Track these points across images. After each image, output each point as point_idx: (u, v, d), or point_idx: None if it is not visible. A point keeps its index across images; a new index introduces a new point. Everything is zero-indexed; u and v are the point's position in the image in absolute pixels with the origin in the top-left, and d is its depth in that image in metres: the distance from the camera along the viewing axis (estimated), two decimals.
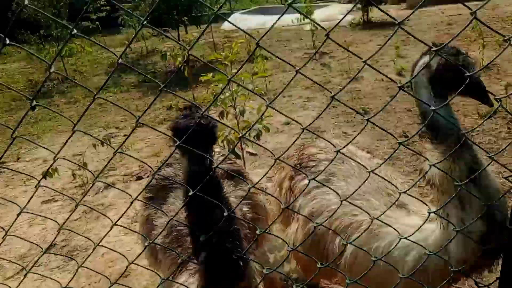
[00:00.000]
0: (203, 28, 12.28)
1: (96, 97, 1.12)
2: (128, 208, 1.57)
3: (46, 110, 9.01)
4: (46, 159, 6.60)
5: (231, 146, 4.31)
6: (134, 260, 1.63)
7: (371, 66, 1.27)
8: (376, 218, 1.49)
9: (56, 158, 1.32)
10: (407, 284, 1.69)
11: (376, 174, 1.46)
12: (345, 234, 2.09)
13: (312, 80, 1.23)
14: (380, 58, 8.70)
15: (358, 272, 1.73)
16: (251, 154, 5.72)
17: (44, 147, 1.43)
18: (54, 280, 2.11)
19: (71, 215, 1.73)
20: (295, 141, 1.53)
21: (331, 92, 1.16)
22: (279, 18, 1.11)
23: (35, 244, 2.22)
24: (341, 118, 6.57)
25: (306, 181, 2.46)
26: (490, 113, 3.95)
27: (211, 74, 3.77)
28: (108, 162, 1.46)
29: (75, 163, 2.16)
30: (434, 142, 1.70)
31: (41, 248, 1.74)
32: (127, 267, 1.75)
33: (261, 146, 1.58)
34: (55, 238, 3.75)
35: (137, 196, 1.46)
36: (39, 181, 1.41)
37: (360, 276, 1.58)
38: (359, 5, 12.11)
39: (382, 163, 1.69)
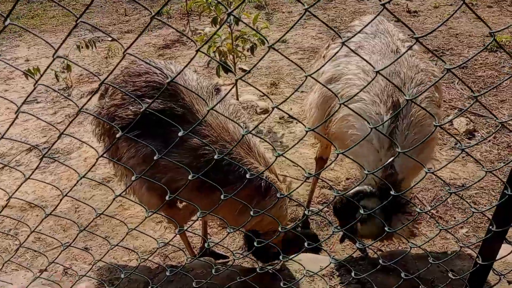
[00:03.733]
0: None
1: None
2: None
3: (28, 6, 8.41)
4: (28, 59, 6.28)
5: (223, 58, 4.07)
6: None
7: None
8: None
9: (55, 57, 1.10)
10: None
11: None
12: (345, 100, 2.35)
13: None
14: None
15: (338, 137, 2.32)
16: (243, 70, 5.47)
17: (43, 39, 1.20)
18: (35, 180, 2.00)
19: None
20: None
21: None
22: None
23: (18, 141, 2.08)
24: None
25: (336, 49, 2.64)
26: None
27: None
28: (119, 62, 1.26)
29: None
30: None
31: (27, 145, 1.61)
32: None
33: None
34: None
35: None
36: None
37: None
38: None
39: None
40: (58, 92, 1.69)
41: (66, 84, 5.39)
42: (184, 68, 1.89)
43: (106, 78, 1.22)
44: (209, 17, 4.41)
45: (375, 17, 1.18)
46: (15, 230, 3.17)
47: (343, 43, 1.05)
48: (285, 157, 1.57)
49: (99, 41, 6.69)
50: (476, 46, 5.64)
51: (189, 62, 1.33)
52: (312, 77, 1.20)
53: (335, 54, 2.44)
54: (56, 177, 3.74)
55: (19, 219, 3.17)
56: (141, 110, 2.04)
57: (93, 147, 1.62)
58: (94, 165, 1.56)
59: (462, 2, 0.97)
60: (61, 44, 1.20)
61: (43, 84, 1.46)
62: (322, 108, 2.58)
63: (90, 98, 1.37)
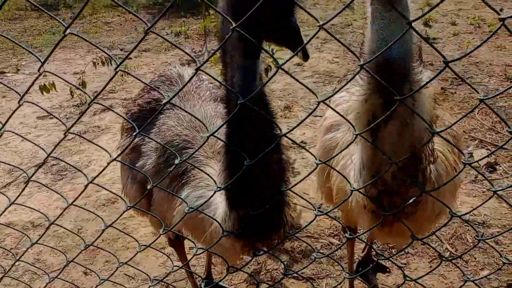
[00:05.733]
0: None
1: None
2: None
3: (50, 22, 8.61)
4: (45, 74, 6.34)
5: None
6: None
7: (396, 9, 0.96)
8: None
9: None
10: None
11: None
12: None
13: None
14: None
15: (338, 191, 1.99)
16: None
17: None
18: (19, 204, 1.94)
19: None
20: None
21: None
22: None
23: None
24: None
25: (342, 94, 2.40)
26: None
27: None
28: (110, 80, 1.20)
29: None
30: None
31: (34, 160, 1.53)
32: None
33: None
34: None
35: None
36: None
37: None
38: None
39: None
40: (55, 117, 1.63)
41: (81, 100, 5.41)
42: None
43: (100, 92, 1.15)
44: None
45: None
46: (16, 250, 3.10)
47: (361, 66, 0.96)
48: (291, 191, 1.48)
49: (116, 58, 6.74)
50: (497, 76, 5.48)
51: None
52: (325, 103, 1.11)
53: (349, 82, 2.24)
54: (62, 196, 3.68)
55: (10, 248, 3.09)
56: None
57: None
58: (102, 171, 1.47)
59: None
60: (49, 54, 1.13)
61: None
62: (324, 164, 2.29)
63: (80, 117, 1.30)
